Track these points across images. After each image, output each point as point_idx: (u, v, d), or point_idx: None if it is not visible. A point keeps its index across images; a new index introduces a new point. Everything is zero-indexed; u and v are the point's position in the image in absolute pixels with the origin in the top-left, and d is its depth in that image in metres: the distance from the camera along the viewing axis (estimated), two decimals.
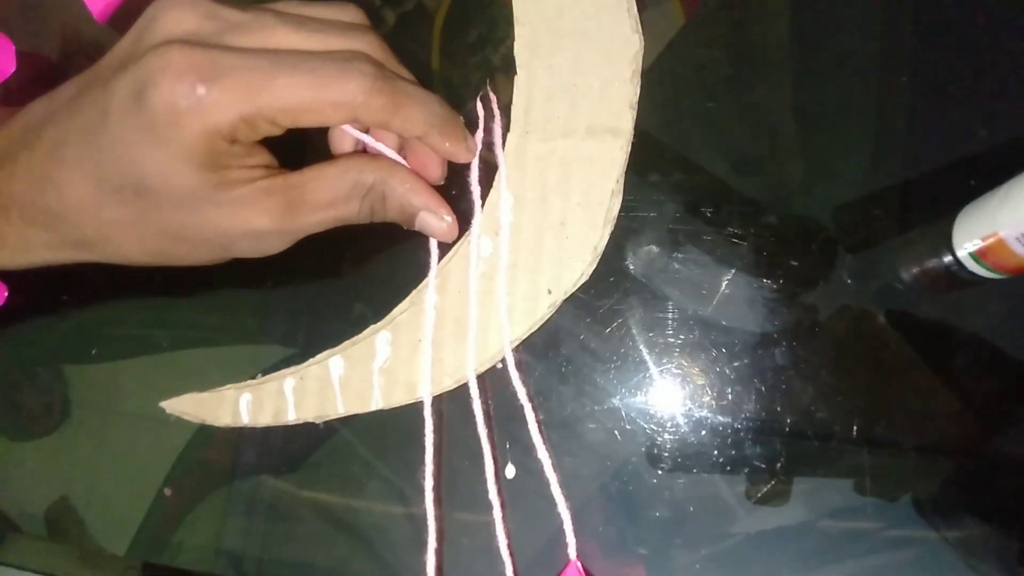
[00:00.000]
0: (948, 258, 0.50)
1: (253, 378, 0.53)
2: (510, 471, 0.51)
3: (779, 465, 0.51)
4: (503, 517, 0.49)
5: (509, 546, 0.49)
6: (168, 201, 0.41)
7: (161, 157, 0.39)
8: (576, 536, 0.50)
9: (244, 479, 0.57)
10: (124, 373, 0.59)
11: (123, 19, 0.61)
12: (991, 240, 0.45)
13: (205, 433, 0.57)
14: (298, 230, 0.45)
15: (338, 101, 0.41)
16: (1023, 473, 0.50)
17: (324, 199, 0.44)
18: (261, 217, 0.42)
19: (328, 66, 0.40)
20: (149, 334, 0.60)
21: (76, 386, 0.61)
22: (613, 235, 0.52)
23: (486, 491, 0.49)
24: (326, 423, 0.53)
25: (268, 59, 0.40)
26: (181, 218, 0.42)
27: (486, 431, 0.50)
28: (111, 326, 0.61)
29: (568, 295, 0.51)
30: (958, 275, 0.50)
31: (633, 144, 0.53)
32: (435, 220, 0.47)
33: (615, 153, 0.50)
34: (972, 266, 0.48)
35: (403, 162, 0.48)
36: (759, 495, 0.51)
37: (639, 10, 0.52)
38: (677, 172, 0.55)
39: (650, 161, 0.54)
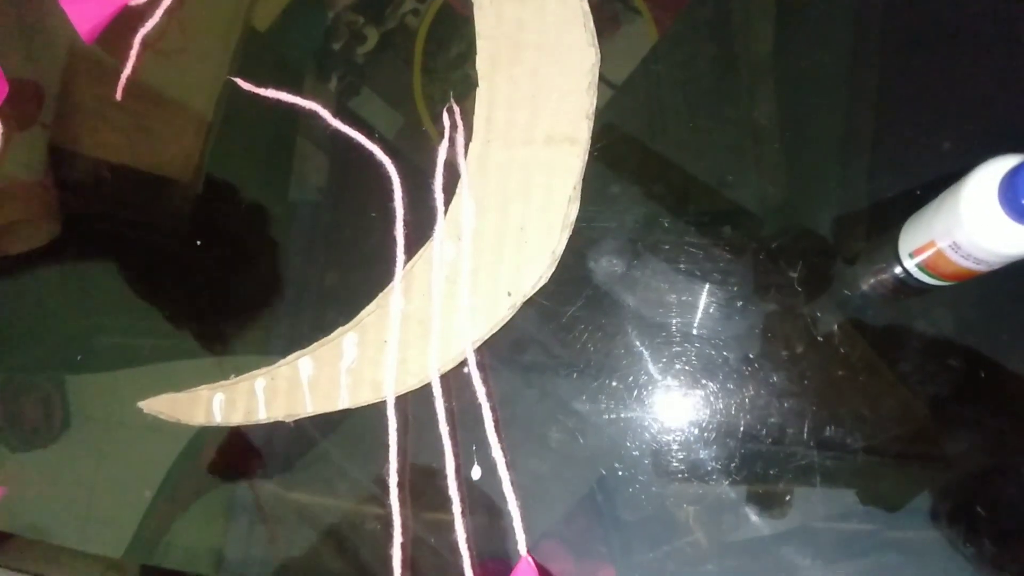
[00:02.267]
0: (897, 268, 0.51)
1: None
2: (476, 472, 0.52)
3: (733, 466, 0.52)
4: (463, 513, 0.51)
5: (468, 541, 0.50)
6: None
7: None
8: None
9: (233, 482, 0.59)
10: (123, 384, 0.61)
11: (110, 39, 0.64)
12: (930, 250, 0.46)
13: (200, 439, 0.58)
14: None
15: None
16: (977, 476, 0.51)
17: None
18: None
19: None
20: (133, 343, 0.62)
21: (76, 397, 0.62)
22: (575, 244, 0.54)
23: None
24: (296, 422, 0.55)
25: None
26: None
27: (448, 428, 0.52)
28: (99, 335, 0.63)
29: (527, 298, 0.52)
30: (907, 283, 0.51)
31: (599, 155, 0.54)
32: None
33: (572, 161, 0.52)
34: (918, 274, 0.49)
35: None
36: (724, 494, 0.52)
37: (613, 28, 0.54)
38: (640, 184, 0.56)
39: (614, 172, 0.56)
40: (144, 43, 0.63)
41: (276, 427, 0.56)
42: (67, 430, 0.62)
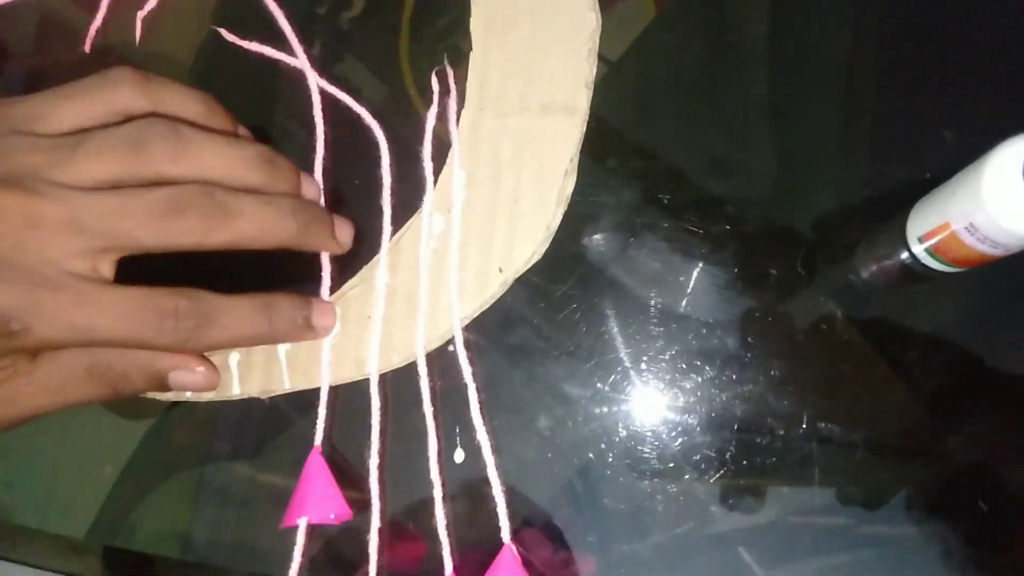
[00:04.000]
0: (904, 253, 0.49)
1: None
2: (459, 455, 0.50)
3: (729, 456, 0.50)
4: (444, 498, 0.48)
5: (448, 527, 0.48)
6: None
7: None
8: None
9: (204, 463, 0.56)
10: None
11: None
12: (943, 233, 0.45)
13: (169, 418, 0.56)
14: (17, 418, 0.43)
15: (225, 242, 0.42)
16: (979, 472, 0.50)
17: (54, 384, 0.43)
18: None
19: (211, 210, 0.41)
20: None
21: None
22: (570, 220, 0.52)
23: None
24: (272, 400, 0.53)
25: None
26: None
27: (431, 409, 0.49)
28: None
29: (519, 275, 0.50)
30: (914, 269, 0.49)
31: (597, 130, 0.52)
32: (187, 376, 0.45)
33: (570, 132, 0.50)
34: (927, 260, 0.48)
35: None
36: (716, 484, 0.51)
37: (611, 1, 0.52)
38: (638, 160, 0.54)
39: (612, 147, 0.54)
40: None
41: (250, 405, 0.54)
42: None
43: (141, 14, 0.58)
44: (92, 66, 0.58)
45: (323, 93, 0.55)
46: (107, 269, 0.41)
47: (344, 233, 0.49)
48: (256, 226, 0.42)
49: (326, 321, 0.49)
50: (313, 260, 0.52)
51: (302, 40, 0.58)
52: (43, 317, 0.38)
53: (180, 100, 0.44)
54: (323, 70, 0.58)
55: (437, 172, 0.51)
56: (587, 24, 0.50)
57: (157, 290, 0.41)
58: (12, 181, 0.37)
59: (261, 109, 0.60)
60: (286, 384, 0.51)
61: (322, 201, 0.51)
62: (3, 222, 0.37)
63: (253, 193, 0.43)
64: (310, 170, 0.54)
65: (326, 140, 0.55)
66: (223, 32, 0.57)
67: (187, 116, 0.44)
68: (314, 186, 0.49)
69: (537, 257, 0.50)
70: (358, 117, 0.54)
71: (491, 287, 0.50)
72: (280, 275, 0.56)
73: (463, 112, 0.51)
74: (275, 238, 0.43)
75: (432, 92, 0.53)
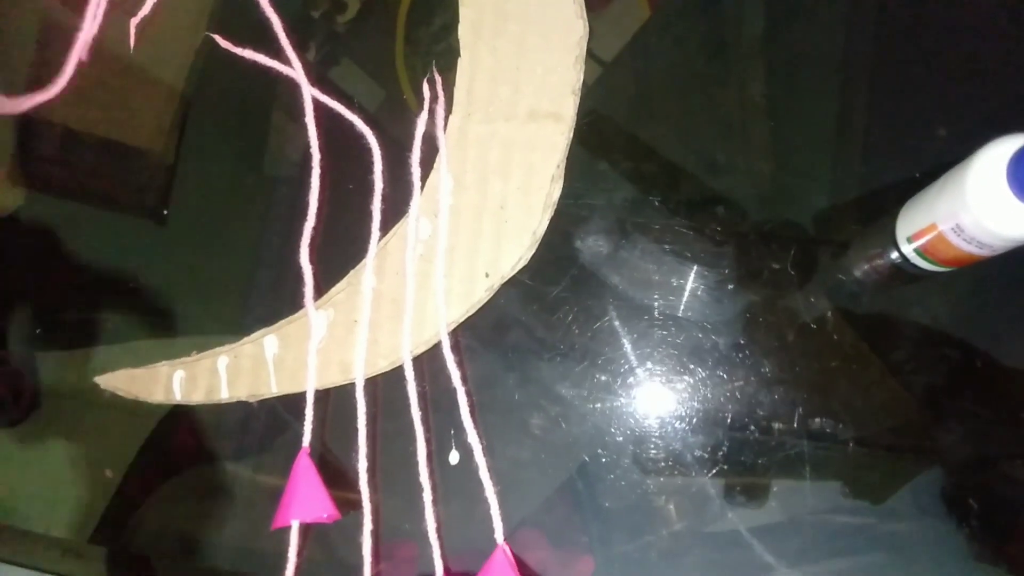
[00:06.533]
0: (894, 253, 0.49)
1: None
2: (454, 457, 0.50)
3: (721, 455, 0.50)
4: (435, 501, 0.48)
5: (439, 530, 0.48)
6: None
7: None
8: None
9: (204, 465, 0.57)
10: (95, 362, 0.58)
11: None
12: (931, 234, 0.44)
13: (171, 420, 0.57)
14: None
15: None
16: (971, 469, 0.50)
17: None
18: None
19: None
20: (97, 319, 0.59)
21: (49, 377, 0.60)
22: (561, 222, 0.52)
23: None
24: (268, 403, 0.53)
25: None
26: None
27: (420, 413, 0.49)
28: (62, 310, 0.61)
29: (506, 279, 0.50)
30: (904, 269, 0.49)
31: (589, 131, 0.52)
32: None
33: (556, 138, 0.50)
34: (916, 260, 0.47)
35: None
36: (709, 483, 0.51)
37: (604, 2, 0.52)
38: (630, 161, 0.54)
39: (604, 149, 0.54)
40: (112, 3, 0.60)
41: (250, 408, 0.54)
42: (37, 409, 0.59)
43: (135, 21, 0.59)
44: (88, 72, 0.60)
45: (316, 102, 0.56)
46: None
47: None
48: None
49: None
50: (295, 265, 0.52)
51: (297, 44, 0.58)
52: None
53: None
54: (319, 73, 0.58)
55: (424, 177, 0.51)
56: (575, 31, 0.50)
57: None
58: None
59: (258, 113, 0.60)
60: (273, 388, 0.51)
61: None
62: None
63: None
64: (306, 175, 0.54)
65: (320, 146, 0.55)
66: (218, 39, 0.57)
67: None
68: None
69: (524, 263, 0.50)
70: (350, 124, 0.55)
71: (478, 292, 0.50)
72: (262, 280, 0.56)
73: (451, 117, 0.51)
74: None
75: (424, 94, 0.53)
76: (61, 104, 0.60)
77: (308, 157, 0.55)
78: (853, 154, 0.53)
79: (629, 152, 0.54)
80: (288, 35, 0.58)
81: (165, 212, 0.58)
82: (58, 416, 0.60)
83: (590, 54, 0.53)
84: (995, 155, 0.39)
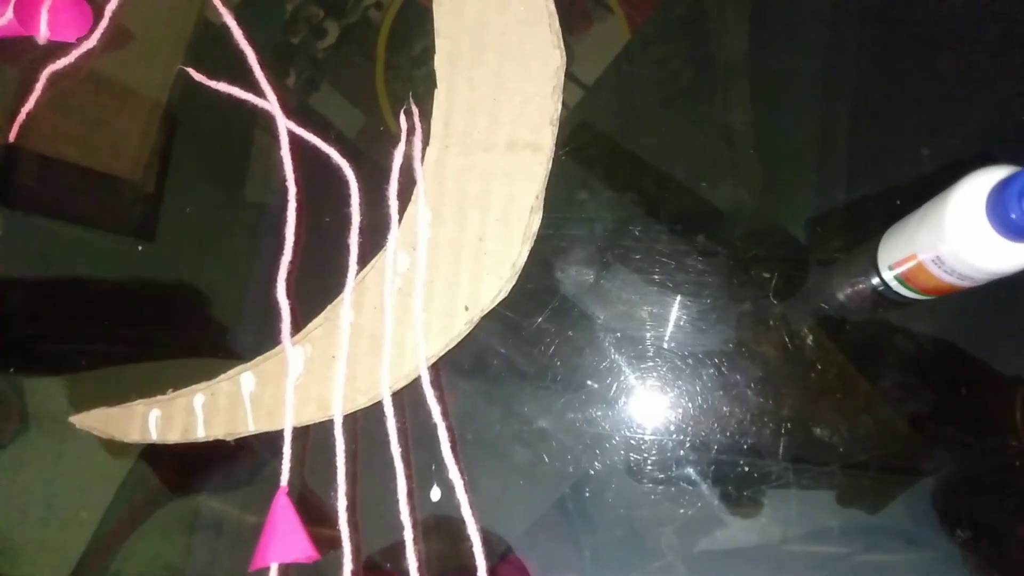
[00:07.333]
0: (876, 279, 0.49)
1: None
2: (435, 493, 0.50)
3: (705, 485, 0.50)
4: (415, 539, 0.48)
5: (420, 568, 0.47)
6: None
7: None
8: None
9: (186, 499, 0.56)
10: (84, 388, 0.57)
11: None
12: (911, 263, 0.44)
13: (153, 452, 0.55)
14: None
15: None
16: (957, 492, 0.49)
17: None
18: None
19: None
20: (75, 349, 0.58)
21: (35, 401, 0.59)
22: (542, 252, 0.51)
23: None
24: (248, 441, 0.52)
25: None
26: None
27: (400, 450, 0.49)
28: (39, 341, 0.60)
29: (486, 312, 0.50)
30: (885, 295, 0.49)
31: (568, 158, 0.52)
32: None
33: (535, 169, 0.50)
34: (897, 287, 0.47)
35: None
36: (694, 512, 0.50)
37: (584, 26, 0.52)
38: (610, 189, 0.54)
39: (583, 177, 0.53)
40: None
41: (236, 444, 0.53)
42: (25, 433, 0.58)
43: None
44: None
45: (292, 134, 0.55)
46: None
47: None
48: None
49: None
50: (271, 300, 0.52)
51: (277, 71, 0.58)
52: None
53: None
54: (299, 99, 0.58)
55: (402, 210, 0.51)
56: (552, 61, 0.50)
57: None
58: None
59: (235, 145, 0.59)
60: (251, 426, 0.50)
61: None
62: None
63: None
64: (282, 208, 0.54)
65: (296, 179, 0.54)
66: (191, 72, 0.57)
67: None
68: None
69: (503, 295, 0.50)
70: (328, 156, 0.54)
71: (457, 325, 0.49)
72: (237, 315, 0.55)
73: (428, 149, 0.51)
74: None
75: (401, 124, 0.53)
76: (38, 132, 0.60)
77: (285, 190, 0.55)
78: (836, 180, 0.53)
79: (610, 178, 0.54)
80: (265, 65, 0.57)
81: (140, 248, 0.58)
82: (47, 445, 0.58)
83: (570, 78, 0.53)
84: (974, 187, 0.39)
